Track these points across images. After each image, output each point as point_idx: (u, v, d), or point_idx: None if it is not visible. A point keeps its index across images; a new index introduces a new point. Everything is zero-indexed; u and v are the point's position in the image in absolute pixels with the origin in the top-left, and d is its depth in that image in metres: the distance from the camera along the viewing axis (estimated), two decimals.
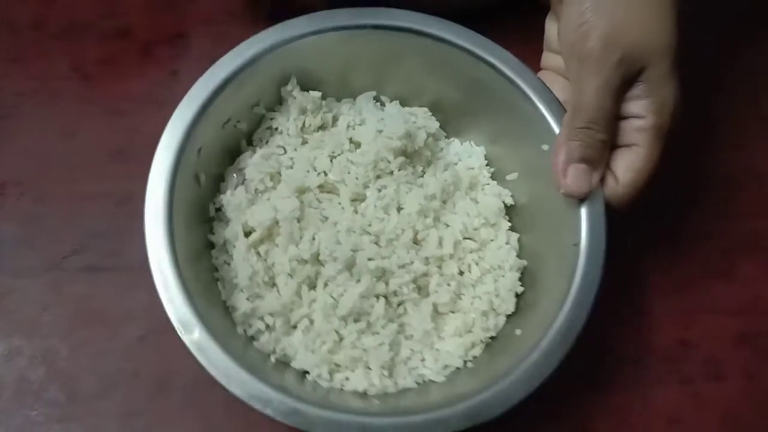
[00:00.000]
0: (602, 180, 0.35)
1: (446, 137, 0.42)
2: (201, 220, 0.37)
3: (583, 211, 0.36)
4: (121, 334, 0.38)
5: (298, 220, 0.36)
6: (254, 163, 0.38)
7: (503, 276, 0.38)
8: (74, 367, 0.37)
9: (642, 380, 0.39)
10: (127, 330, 0.38)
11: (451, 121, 0.42)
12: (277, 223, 0.36)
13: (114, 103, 0.44)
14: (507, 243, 0.39)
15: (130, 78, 0.46)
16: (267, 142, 0.39)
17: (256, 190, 0.38)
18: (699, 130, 0.44)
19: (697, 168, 0.41)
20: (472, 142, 0.42)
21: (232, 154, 0.39)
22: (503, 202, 0.40)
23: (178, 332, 0.31)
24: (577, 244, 0.35)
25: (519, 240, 0.39)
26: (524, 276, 0.38)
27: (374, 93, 0.41)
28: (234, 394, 0.31)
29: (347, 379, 0.35)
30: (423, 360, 0.37)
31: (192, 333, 0.32)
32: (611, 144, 0.35)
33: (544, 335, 0.33)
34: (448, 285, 0.38)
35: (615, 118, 0.35)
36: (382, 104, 0.41)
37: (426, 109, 0.42)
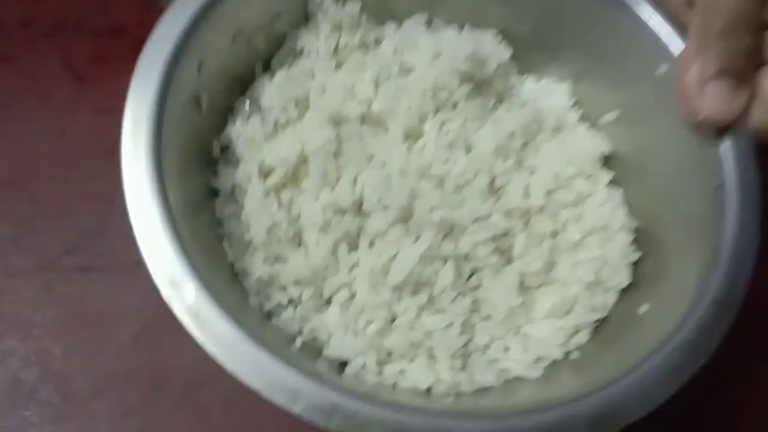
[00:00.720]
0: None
1: (519, 73, 0.39)
2: (201, 163, 0.32)
3: (725, 146, 0.30)
4: (115, 334, 0.42)
5: (334, 156, 0.31)
6: (274, 86, 0.33)
7: (611, 239, 0.33)
8: (68, 367, 0.41)
9: None
10: (120, 330, 0.42)
11: (523, 56, 0.38)
12: (305, 160, 0.31)
13: (106, 101, 0.47)
14: (609, 200, 0.34)
15: (122, 76, 0.48)
16: (290, 67, 0.35)
17: (276, 122, 0.33)
18: None
19: None
20: (551, 79, 0.38)
21: (243, 84, 0.35)
22: (600, 150, 0.36)
23: (164, 295, 0.25)
24: (720, 186, 0.29)
25: (623, 197, 0.35)
26: (638, 240, 0.33)
27: (426, 15, 0.38)
28: (246, 383, 0.24)
29: (402, 372, 0.29)
30: (507, 350, 0.30)
31: (183, 292, 0.25)
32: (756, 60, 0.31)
33: (693, 308, 0.27)
34: (539, 248, 0.32)
35: (760, 25, 0.31)
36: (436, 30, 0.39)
37: (495, 31, 0.37)
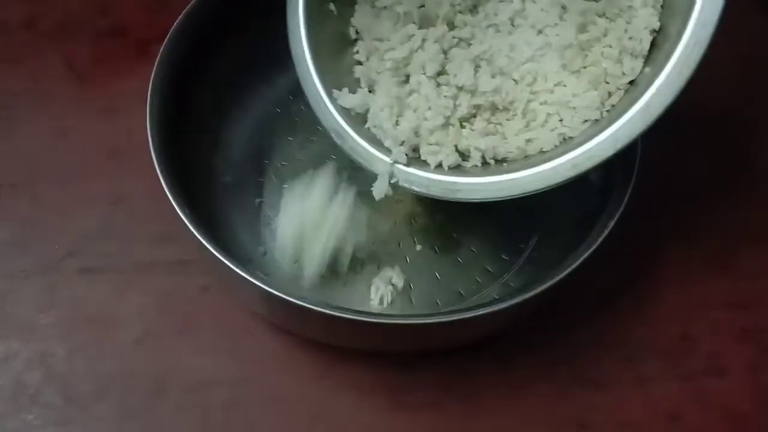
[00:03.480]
0: None
1: None
2: (349, 44, 0.42)
3: None
4: (118, 336, 0.42)
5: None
6: None
7: (636, 16, 0.38)
8: (71, 369, 0.41)
9: (642, 376, 0.43)
10: (123, 332, 0.43)
11: None
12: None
13: (109, 102, 0.47)
14: None
15: (125, 77, 0.48)
16: None
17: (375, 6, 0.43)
18: (705, 121, 0.44)
19: (702, 157, 0.48)
20: None
21: None
22: None
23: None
24: None
25: None
26: (663, 11, 0.39)
27: None
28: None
29: (494, 148, 0.39)
30: (561, 120, 0.39)
31: (344, 137, 0.39)
32: None
33: (662, 68, 0.34)
34: (574, 43, 0.39)
35: None
36: None
37: None
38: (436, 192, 0.38)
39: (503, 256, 0.44)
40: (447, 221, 0.45)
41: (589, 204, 0.42)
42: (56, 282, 0.44)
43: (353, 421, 0.40)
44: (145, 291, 0.43)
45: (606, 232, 0.37)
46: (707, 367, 0.43)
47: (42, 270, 0.44)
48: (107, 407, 0.40)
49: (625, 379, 0.42)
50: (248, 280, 0.35)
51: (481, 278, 0.44)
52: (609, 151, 0.35)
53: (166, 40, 0.42)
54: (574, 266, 0.36)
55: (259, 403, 0.40)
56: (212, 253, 0.35)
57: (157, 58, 0.41)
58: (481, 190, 0.37)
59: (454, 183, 0.37)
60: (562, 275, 0.36)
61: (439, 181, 0.38)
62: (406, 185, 0.38)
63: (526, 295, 0.35)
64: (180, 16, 0.43)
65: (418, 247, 0.45)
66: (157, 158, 0.38)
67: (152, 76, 0.40)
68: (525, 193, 0.36)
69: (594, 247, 0.36)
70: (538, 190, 0.36)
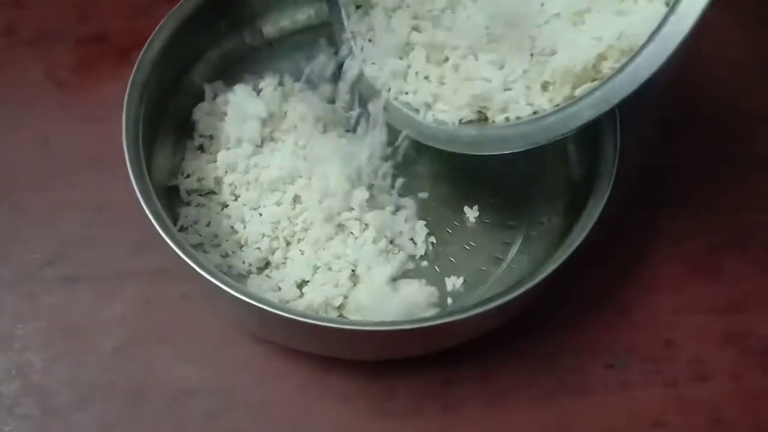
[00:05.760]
0: None
1: None
2: None
3: None
4: (97, 345, 0.42)
5: None
6: None
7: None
8: (49, 380, 0.41)
9: (625, 382, 0.43)
10: (103, 341, 0.42)
11: None
12: None
13: (90, 109, 0.48)
14: None
15: (106, 83, 0.49)
16: None
17: None
18: (686, 124, 0.50)
19: (683, 162, 0.49)
20: None
21: None
22: None
23: None
24: None
25: None
26: None
27: None
28: None
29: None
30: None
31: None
32: None
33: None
34: None
35: None
36: None
37: None
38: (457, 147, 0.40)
39: (482, 268, 0.44)
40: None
41: (570, 214, 0.42)
42: (35, 291, 0.43)
43: (335, 430, 0.40)
44: (125, 299, 0.43)
45: (581, 239, 0.37)
46: (691, 372, 0.43)
47: (21, 279, 0.44)
48: (86, 418, 0.40)
49: (609, 385, 0.42)
50: (224, 290, 0.34)
51: (460, 288, 0.43)
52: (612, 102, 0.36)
53: (144, 47, 0.41)
54: (546, 274, 0.36)
55: (241, 411, 0.40)
56: (186, 263, 0.35)
57: (135, 66, 0.41)
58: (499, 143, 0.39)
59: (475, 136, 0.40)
60: (537, 281, 0.35)
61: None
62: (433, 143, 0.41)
63: (500, 301, 0.35)
64: (160, 23, 0.43)
65: None
66: (132, 167, 0.38)
67: (129, 83, 0.40)
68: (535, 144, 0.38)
69: (569, 252, 0.36)
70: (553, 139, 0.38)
